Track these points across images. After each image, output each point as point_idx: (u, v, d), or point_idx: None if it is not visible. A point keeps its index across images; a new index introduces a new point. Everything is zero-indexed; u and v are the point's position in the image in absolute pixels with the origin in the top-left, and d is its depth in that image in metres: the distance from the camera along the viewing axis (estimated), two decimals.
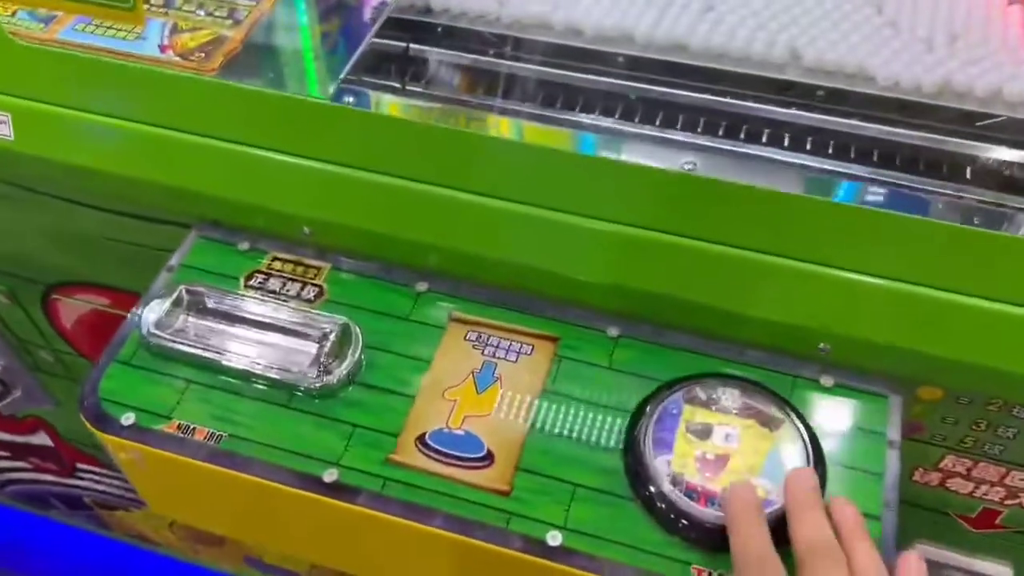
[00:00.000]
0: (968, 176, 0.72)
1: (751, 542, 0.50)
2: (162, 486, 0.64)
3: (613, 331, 0.64)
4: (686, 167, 0.69)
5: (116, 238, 0.77)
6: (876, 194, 0.70)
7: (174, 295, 0.64)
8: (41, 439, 1.22)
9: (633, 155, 0.72)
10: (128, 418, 0.59)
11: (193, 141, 0.68)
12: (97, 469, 1.23)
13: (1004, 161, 0.73)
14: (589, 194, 0.62)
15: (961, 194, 0.70)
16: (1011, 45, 0.80)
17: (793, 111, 0.77)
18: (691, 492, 0.54)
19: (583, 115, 0.79)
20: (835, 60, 0.78)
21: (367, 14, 0.87)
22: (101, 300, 0.86)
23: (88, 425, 0.59)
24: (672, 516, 0.54)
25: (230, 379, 0.61)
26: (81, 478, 1.29)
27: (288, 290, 0.66)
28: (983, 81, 0.76)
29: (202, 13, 0.81)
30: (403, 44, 0.82)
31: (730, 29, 0.81)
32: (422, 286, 0.67)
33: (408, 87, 0.80)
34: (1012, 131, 0.73)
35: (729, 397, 0.58)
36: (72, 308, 0.89)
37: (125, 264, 0.78)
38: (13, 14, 0.81)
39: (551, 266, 0.63)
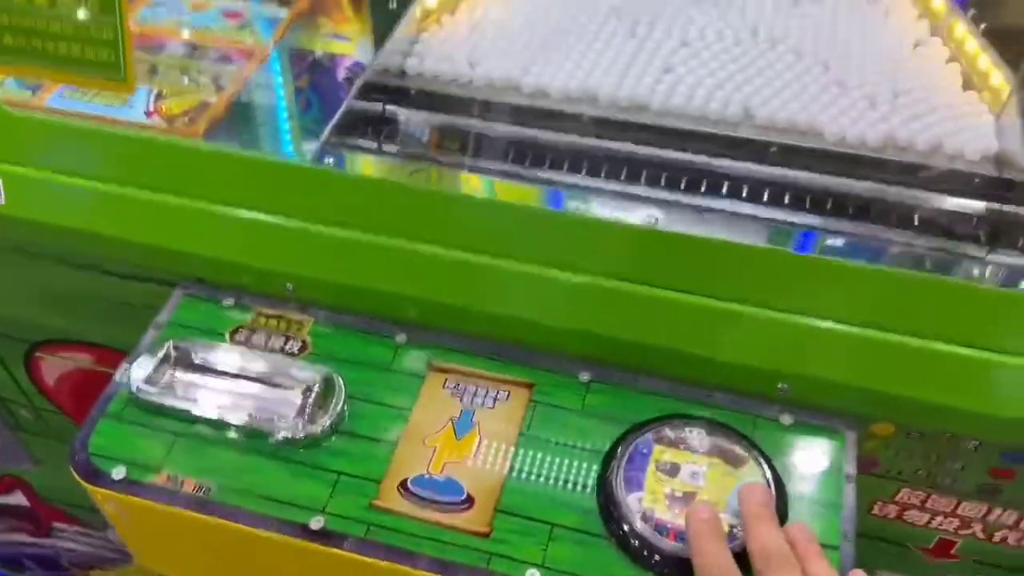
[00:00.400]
0: (912, 223, 0.77)
1: (714, 561, 0.52)
2: (152, 538, 0.65)
3: (585, 376, 0.67)
4: (650, 220, 0.73)
5: (102, 297, 0.79)
6: (827, 242, 0.74)
7: (162, 351, 0.66)
8: (17, 499, 1.22)
9: (599, 209, 0.76)
10: (119, 472, 0.61)
11: (179, 203, 0.71)
12: (75, 528, 1.22)
13: (945, 210, 0.77)
14: (559, 247, 0.66)
15: (906, 240, 0.75)
16: (950, 101, 0.85)
17: (748, 165, 0.81)
18: (661, 528, 0.57)
19: (552, 172, 0.82)
20: (786, 117, 0.83)
21: (343, 76, 0.92)
22: (85, 357, 0.88)
23: (80, 480, 0.61)
24: (645, 552, 0.57)
25: (217, 431, 0.63)
26: (57, 538, 1.28)
27: (272, 344, 0.69)
28: (924, 135, 0.81)
29: (186, 80, 0.85)
30: (379, 106, 0.86)
31: (688, 89, 0.85)
32: (401, 337, 0.70)
33: (384, 147, 0.84)
34: (952, 181, 0.79)
35: (696, 437, 0.61)
36: (55, 366, 0.90)
37: (110, 321, 0.80)
38: (1, 82, 0.85)
39: (524, 315, 0.67)
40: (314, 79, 0.94)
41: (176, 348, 0.66)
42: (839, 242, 0.75)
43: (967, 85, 0.87)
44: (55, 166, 0.72)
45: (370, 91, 0.87)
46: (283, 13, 0.95)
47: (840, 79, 0.87)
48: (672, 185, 0.81)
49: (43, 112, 0.80)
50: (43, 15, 0.66)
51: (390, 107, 0.86)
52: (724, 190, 0.80)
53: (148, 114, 0.81)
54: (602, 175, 0.82)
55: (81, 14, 0.64)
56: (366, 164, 0.80)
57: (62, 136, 0.74)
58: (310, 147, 0.78)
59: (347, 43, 0.99)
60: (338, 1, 1.04)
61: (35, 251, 0.78)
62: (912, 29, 0.94)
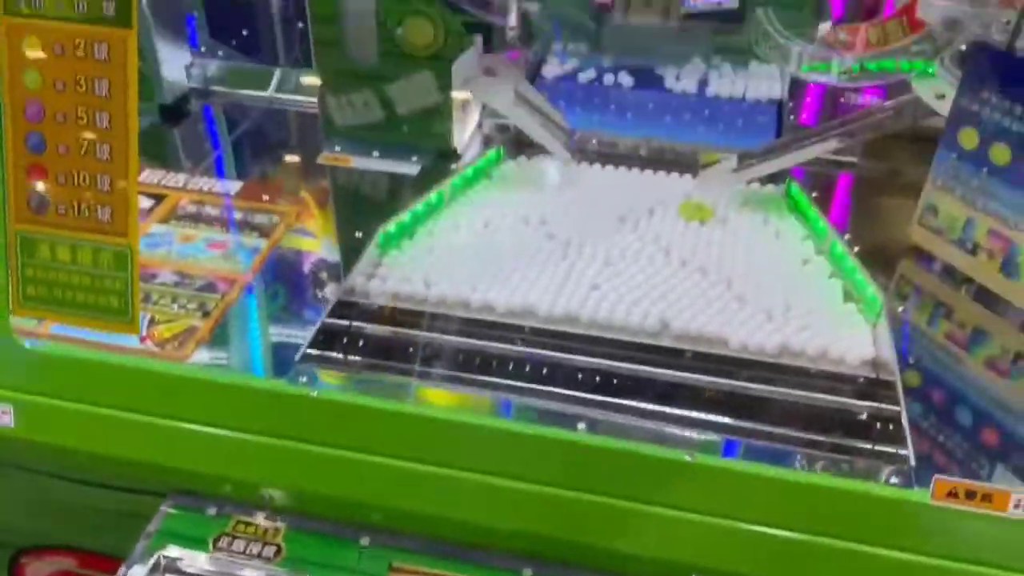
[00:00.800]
0: (805, 422, 0.89)
1: None
2: None
3: (527, 572, 0.76)
4: (580, 428, 0.85)
5: (93, 506, 0.87)
6: (733, 444, 0.86)
7: (152, 560, 0.74)
8: None
9: (536, 416, 0.88)
10: None
11: (167, 424, 0.82)
12: None
13: (833, 409, 0.90)
14: (502, 458, 0.77)
15: (799, 437, 0.86)
16: (833, 312, 1.00)
17: (665, 371, 0.94)
18: None
19: (497, 378, 0.94)
20: (697, 328, 0.96)
21: (309, 270, 1.04)
22: (69, 561, 0.94)
23: None
24: None
25: None
26: None
27: (251, 550, 0.78)
28: (813, 343, 0.94)
29: (176, 307, 0.97)
30: (346, 324, 0.98)
31: (612, 304, 0.99)
32: (365, 540, 0.79)
33: (354, 362, 0.95)
34: (838, 384, 0.92)
35: None
36: (39, 570, 0.96)
37: (98, 528, 0.88)
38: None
39: (473, 519, 0.77)
40: (283, 275, 1.07)
41: (164, 558, 0.75)
42: (744, 442, 0.87)
43: (847, 298, 1.01)
44: (62, 393, 0.82)
45: (340, 309, 0.99)
46: (262, 244, 1.09)
47: (740, 294, 1.02)
48: (601, 389, 0.92)
49: (48, 339, 0.91)
50: (64, 269, 0.78)
51: (357, 323, 0.99)
52: (646, 393, 0.92)
53: (142, 339, 0.91)
54: (540, 381, 0.93)
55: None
56: (335, 380, 0.91)
57: (66, 366, 0.85)
58: (286, 368, 0.89)
59: (312, 239, 1.13)
60: (304, 201, 1.19)
61: (33, 467, 0.86)
62: (800, 248, 1.10)
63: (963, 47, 1.05)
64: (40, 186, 0.76)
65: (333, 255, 1.12)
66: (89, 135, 0.74)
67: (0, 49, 0.74)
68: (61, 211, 0.76)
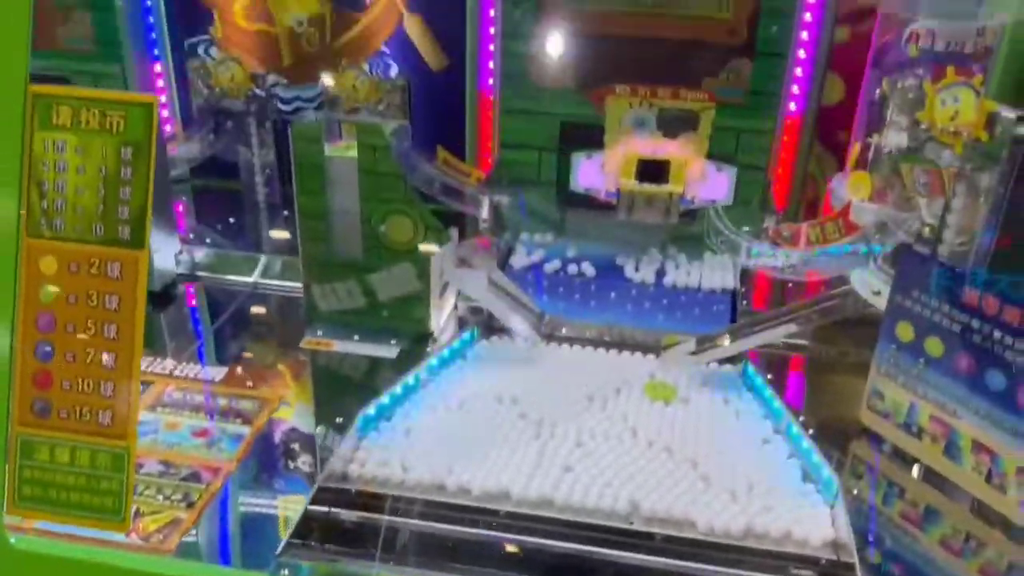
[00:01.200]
0: None
1: None
2: None
3: None
4: None
5: None
6: None
7: None
8: None
9: None
10: None
11: None
12: None
13: None
14: None
15: None
16: (793, 492, 1.05)
17: (636, 555, 0.96)
18: None
19: (474, 566, 0.96)
20: (665, 509, 1.00)
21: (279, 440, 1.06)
22: None
23: None
24: None
25: None
26: None
27: None
28: (776, 525, 0.98)
29: (161, 498, 0.99)
30: (326, 510, 1.01)
31: (584, 487, 1.03)
32: None
33: (331, 548, 0.97)
34: (801, 564, 0.95)
35: None
36: None
37: None
38: None
39: None
40: (266, 462, 1.10)
41: None
42: None
43: (806, 478, 1.07)
44: None
45: (321, 495, 1.01)
46: (246, 431, 1.13)
47: (705, 474, 1.06)
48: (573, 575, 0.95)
49: (34, 533, 0.92)
50: (62, 470, 0.81)
51: (336, 509, 1.01)
52: None
53: (127, 532, 0.93)
54: (516, 568, 0.96)
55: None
56: (317, 570, 0.93)
57: (52, 564, 0.86)
58: (268, 560, 0.92)
59: (295, 424, 1.17)
60: (286, 386, 1.24)
61: None
62: (759, 428, 1.17)
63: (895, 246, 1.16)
64: (45, 392, 0.81)
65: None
66: (96, 345, 0.80)
67: (19, 267, 0.80)
68: (63, 415, 0.80)
